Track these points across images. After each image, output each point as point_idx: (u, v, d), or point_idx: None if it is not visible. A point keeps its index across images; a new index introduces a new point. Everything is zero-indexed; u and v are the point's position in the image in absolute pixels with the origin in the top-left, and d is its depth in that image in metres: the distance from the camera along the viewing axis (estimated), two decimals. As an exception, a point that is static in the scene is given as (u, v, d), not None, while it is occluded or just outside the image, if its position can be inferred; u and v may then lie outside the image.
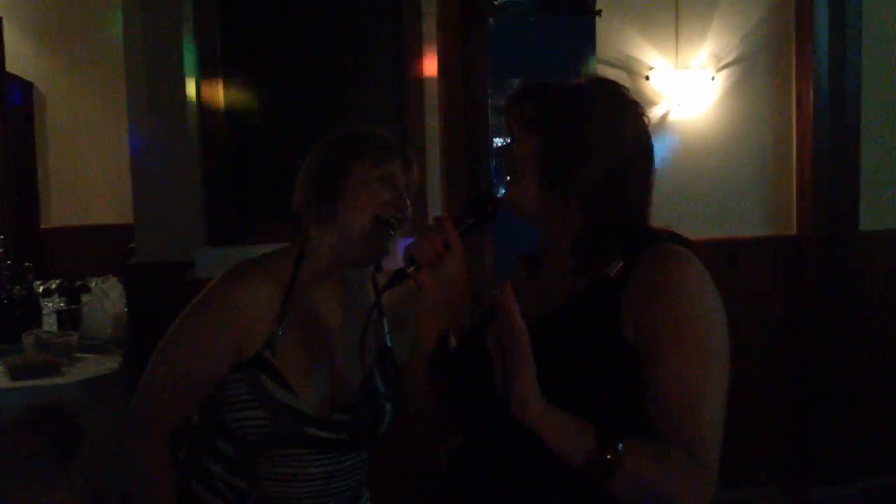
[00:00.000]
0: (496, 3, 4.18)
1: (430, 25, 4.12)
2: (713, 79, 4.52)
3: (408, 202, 1.91)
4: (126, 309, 3.97)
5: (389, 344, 2.01)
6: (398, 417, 2.02)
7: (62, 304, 4.13)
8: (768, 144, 4.66)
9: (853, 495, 4.66)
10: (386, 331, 2.02)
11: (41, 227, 5.98)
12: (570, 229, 1.59)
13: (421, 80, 4.10)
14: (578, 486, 1.44)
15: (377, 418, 1.97)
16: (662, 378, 1.45)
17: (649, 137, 1.66)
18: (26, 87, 5.87)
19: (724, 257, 4.56)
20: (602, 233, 1.57)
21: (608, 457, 1.39)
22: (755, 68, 4.61)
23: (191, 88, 3.95)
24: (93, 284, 4.19)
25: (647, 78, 4.44)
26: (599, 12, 4.29)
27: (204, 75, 4.04)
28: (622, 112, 1.61)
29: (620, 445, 1.40)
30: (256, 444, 1.89)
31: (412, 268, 1.61)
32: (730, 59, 4.57)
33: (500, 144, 4.00)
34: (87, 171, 5.89)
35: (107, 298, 3.95)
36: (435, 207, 4.14)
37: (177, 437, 2.00)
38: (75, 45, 5.93)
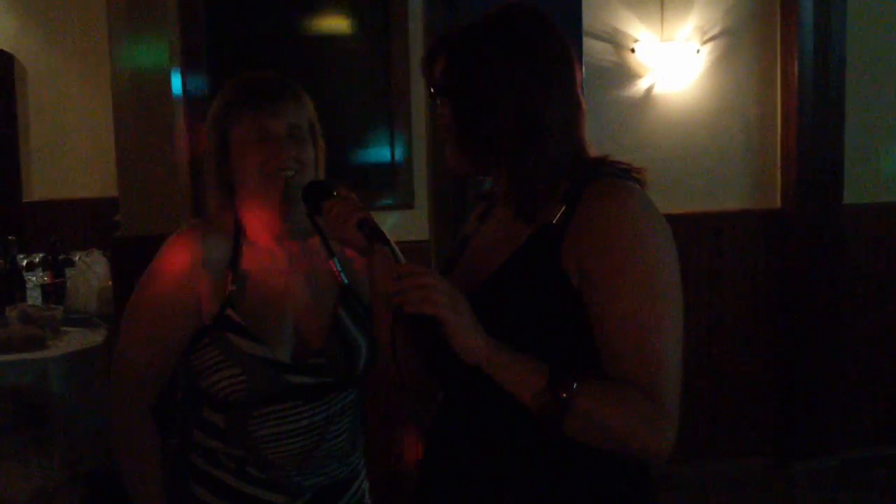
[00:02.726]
0: (482, -26, 4.15)
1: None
2: (698, 52, 4.52)
3: (292, 146, 1.92)
4: (111, 282, 3.96)
5: (346, 281, 2.01)
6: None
7: (46, 278, 4.12)
8: (753, 118, 4.67)
9: (835, 467, 4.71)
10: (339, 269, 2.02)
11: (23, 200, 5.94)
12: (502, 182, 1.57)
13: (406, 54, 4.08)
14: (553, 441, 1.44)
15: (353, 356, 1.98)
16: (611, 319, 1.41)
17: (563, 63, 1.55)
18: (7, 59, 5.80)
19: (709, 230, 4.58)
20: (529, 182, 1.52)
21: (563, 395, 1.38)
22: (740, 41, 4.61)
23: (176, 57, 3.91)
24: (77, 258, 4.18)
25: (633, 50, 4.43)
26: (585, -16, 4.30)
27: (188, 44, 4.00)
28: (517, 51, 1.52)
29: (575, 385, 1.38)
30: (242, 406, 1.90)
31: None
32: (715, 31, 4.56)
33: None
34: (70, 144, 5.83)
35: (91, 272, 3.94)
36: (421, 184, 4.16)
37: (165, 414, 2.01)
38: (57, 16, 5.86)
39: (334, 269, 2.02)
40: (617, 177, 1.50)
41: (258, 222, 1.97)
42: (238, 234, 1.96)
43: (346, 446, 2.01)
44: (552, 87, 1.52)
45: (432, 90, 1.59)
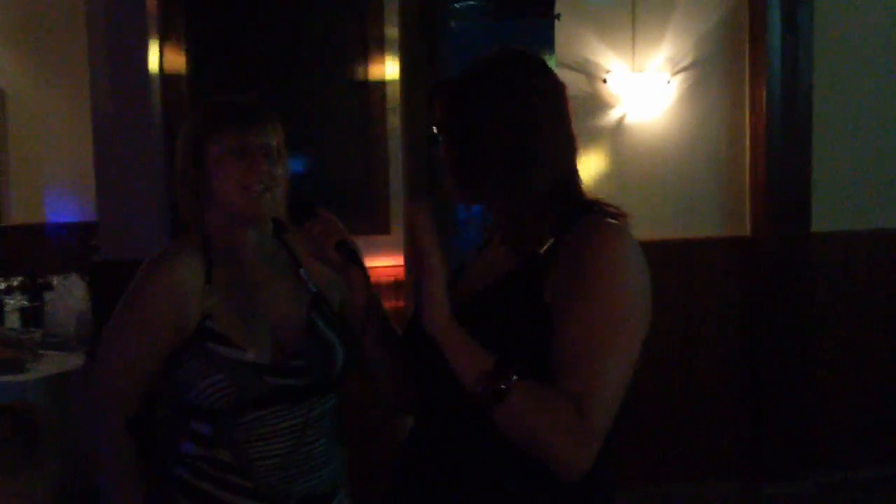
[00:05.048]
0: (456, 5, 4.24)
1: (391, 28, 4.17)
2: (669, 82, 4.60)
3: (265, 163, 2.00)
4: (89, 306, 3.98)
5: (314, 289, 2.11)
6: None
7: (25, 302, 4.14)
8: (722, 147, 4.75)
9: (807, 490, 4.74)
10: (306, 277, 2.13)
11: (2, 224, 5.93)
12: (495, 212, 1.67)
13: (383, 83, 4.15)
14: (525, 466, 1.50)
15: (330, 356, 2.07)
16: (567, 334, 1.47)
17: (552, 99, 1.64)
18: (-14, 84, 5.82)
19: (679, 258, 4.64)
20: (518, 212, 1.60)
21: (501, 386, 1.44)
22: (710, 71, 4.69)
23: (155, 85, 3.96)
24: (55, 282, 4.20)
25: (605, 81, 4.52)
26: (558, 16, 4.37)
27: (168, 73, 4.06)
28: (505, 88, 1.61)
29: (515, 377, 1.45)
30: (227, 412, 1.97)
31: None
32: (685, 62, 4.65)
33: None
34: (49, 168, 5.84)
35: (70, 296, 3.97)
36: (398, 207, 4.21)
37: (146, 432, 2.07)
38: (37, 41, 5.88)
39: (302, 277, 2.12)
40: (608, 216, 1.58)
41: (229, 235, 2.05)
42: (208, 250, 2.04)
43: (324, 452, 2.08)
44: (540, 122, 1.60)
45: (432, 129, 1.68)
